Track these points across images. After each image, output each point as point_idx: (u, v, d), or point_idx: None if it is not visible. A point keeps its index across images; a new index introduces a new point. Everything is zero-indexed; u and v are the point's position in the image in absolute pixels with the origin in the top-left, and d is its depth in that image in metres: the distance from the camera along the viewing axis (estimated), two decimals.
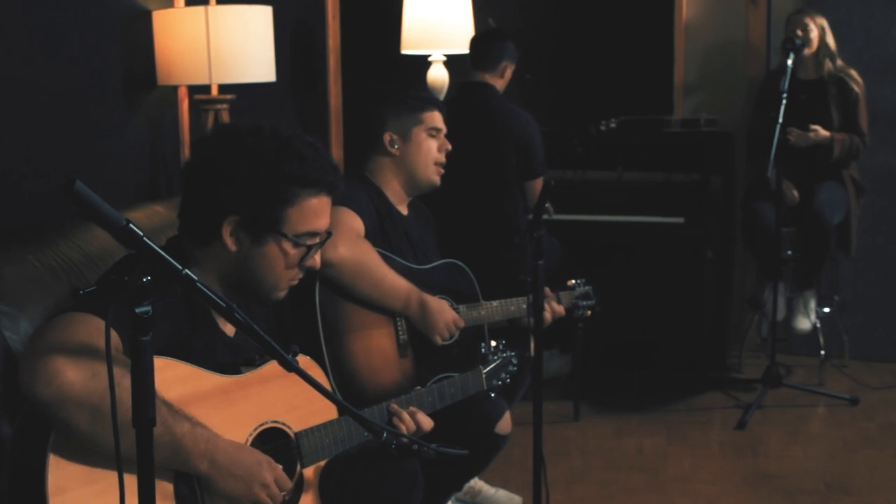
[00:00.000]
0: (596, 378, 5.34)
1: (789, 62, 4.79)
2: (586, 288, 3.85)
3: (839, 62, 5.20)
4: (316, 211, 2.19)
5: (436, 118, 3.39)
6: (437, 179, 3.42)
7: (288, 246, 2.17)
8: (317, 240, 2.23)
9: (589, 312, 3.86)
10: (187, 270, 1.66)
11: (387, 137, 3.34)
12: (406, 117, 3.35)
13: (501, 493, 3.91)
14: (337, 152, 5.84)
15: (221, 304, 1.72)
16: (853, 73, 5.18)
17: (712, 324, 5.44)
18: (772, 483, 4.12)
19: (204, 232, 2.17)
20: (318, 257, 2.25)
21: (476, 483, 3.89)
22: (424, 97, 3.44)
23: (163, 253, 1.63)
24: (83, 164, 3.68)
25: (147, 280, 1.59)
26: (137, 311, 1.57)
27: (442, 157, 3.40)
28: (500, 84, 4.77)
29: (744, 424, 4.71)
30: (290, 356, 1.82)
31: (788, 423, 4.79)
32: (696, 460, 4.37)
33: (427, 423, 2.60)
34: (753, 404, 4.86)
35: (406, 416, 2.56)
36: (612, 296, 5.38)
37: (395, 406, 2.58)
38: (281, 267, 2.19)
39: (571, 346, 5.00)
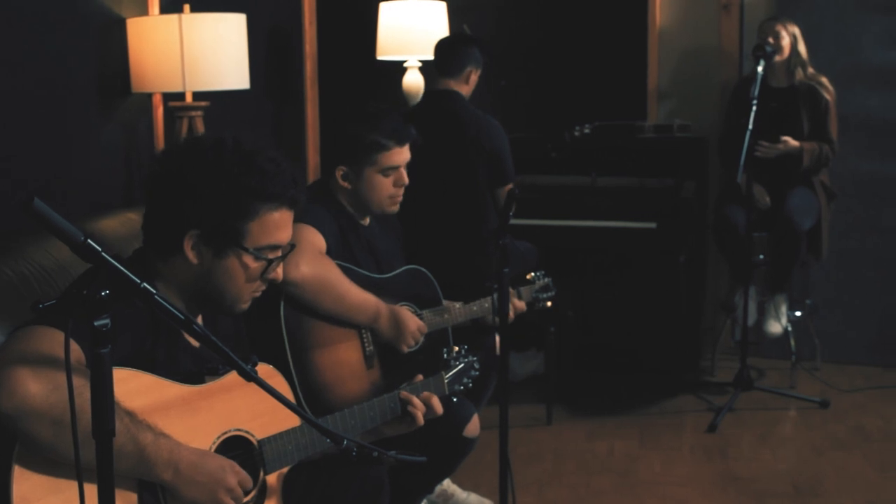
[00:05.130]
0: (570, 381, 5.39)
1: (760, 69, 4.84)
2: (546, 280, 3.89)
3: (810, 70, 5.24)
4: (277, 224, 2.22)
5: (393, 157, 3.30)
6: (392, 210, 3.39)
7: (249, 259, 2.20)
8: (279, 252, 2.25)
9: (549, 304, 3.90)
10: (145, 284, 1.69)
11: (339, 172, 3.31)
12: (360, 157, 3.28)
13: (473, 498, 3.94)
14: (314, 159, 5.87)
15: (180, 316, 1.75)
16: (824, 80, 5.22)
17: (686, 327, 5.50)
18: (741, 485, 4.17)
19: (166, 245, 2.20)
20: (280, 270, 2.28)
21: (448, 486, 3.92)
22: (386, 132, 3.29)
23: (121, 267, 1.66)
24: (57, 170, 3.70)
25: (106, 294, 1.62)
26: (96, 323, 1.61)
27: (397, 192, 3.36)
28: (465, 90, 4.74)
29: (715, 427, 4.75)
30: (249, 366, 1.86)
31: (759, 425, 4.84)
32: (667, 463, 4.42)
33: (438, 406, 2.74)
34: (725, 407, 4.90)
35: (417, 401, 2.69)
36: (587, 300, 5.46)
37: (405, 393, 2.70)
38: (242, 280, 2.22)
39: (545, 348, 5.04)
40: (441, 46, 4.87)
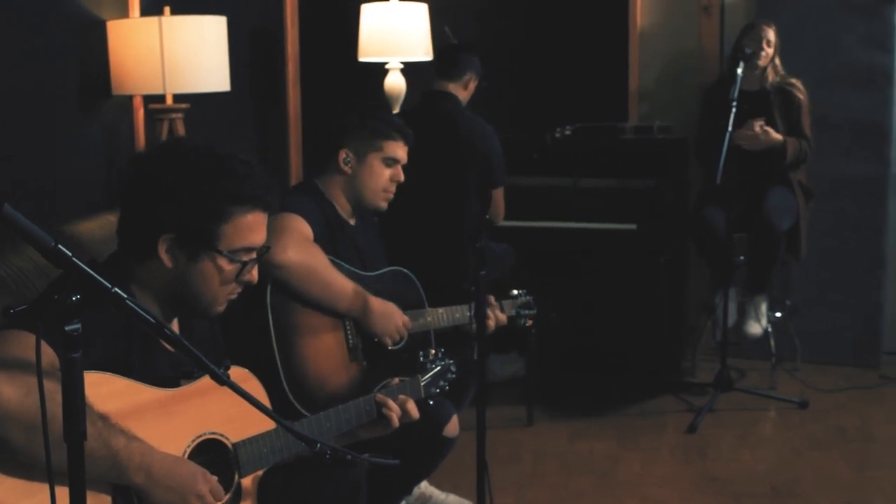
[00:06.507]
0: (551, 382, 5.40)
1: (739, 71, 4.86)
2: (528, 298, 3.92)
3: (781, 72, 5.27)
4: (251, 227, 2.23)
5: (397, 149, 3.40)
6: (382, 206, 3.45)
7: (223, 262, 2.21)
8: (253, 255, 2.26)
9: (530, 322, 3.93)
10: (116, 289, 1.70)
11: (342, 154, 3.36)
12: (366, 140, 3.37)
13: (452, 498, 3.95)
14: (296, 160, 5.87)
15: (152, 321, 1.76)
16: (795, 81, 5.25)
17: (667, 328, 5.52)
18: (720, 486, 4.19)
19: (141, 248, 2.21)
20: (255, 272, 2.29)
21: (427, 488, 3.93)
22: (394, 125, 3.42)
23: (92, 272, 1.66)
24: (38, 172, 3.70)
25: (77, 299, 1.63)
26: (67, 328, 1.61)
27: (391, 187, 3.43)
28: (463, 95, 4.79)
29: (695, 428, 4.77)
30: (221, 370, 1.87)
31: (739, 426, 4.86)
32: (647, 464, 4.44)
33: (414, 411, 2.74)
34: (705, 408, 4.92)
35: (393, 403, 2.69)
36: (568, 301, 5.46)
37: (381, 396, 2.70)
38: (217, 283, 2.22)
39: (525, 349, 5.05)
40: (444, 51, 4.93)
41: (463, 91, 4.82)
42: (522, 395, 5.03)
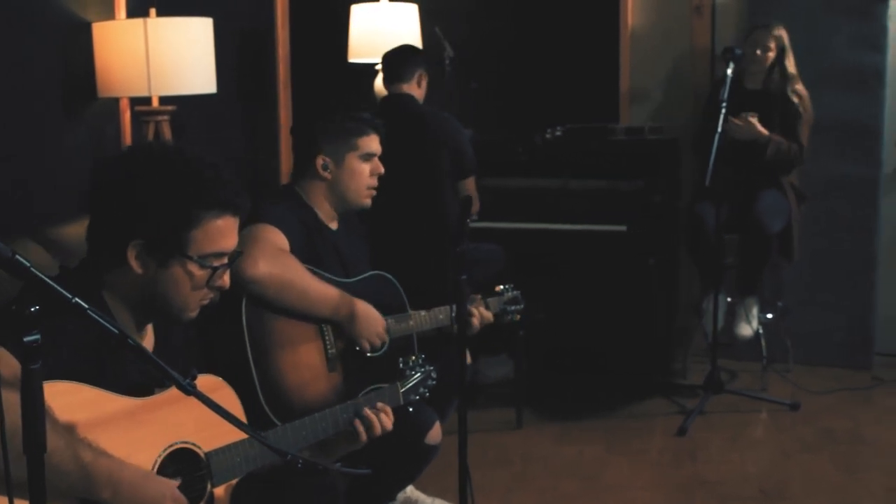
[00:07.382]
0: (540, 384, 5.38)
1: (729, 71, 4.84)
2: (515, 293, 3.88)
3: (791, 77, 5.22)
4: (221, 232, 2.20)
5: (371, 143, 3.38)
6: (367, 203, 3.43)
7: (194, 268, 2.18)
8: (224, 260, 2.24)
9: (518, 317, 3.89)
10: (77, 299, 1.67)
11: (319, 161, 3.33)
12: (340, 142, 3.34)
13: (438, 503, 3.94)
14: (287, 162, 5.84)
15: (114, 331, 1.73)
16: (800, 88, 5.21)
17: (657, 329, 5.49)
18: (708, 489, 4.17)
19: (110, 255, 2.18)
20: (226, 277, 2.26)
21: (413, 493, 3.91)
22: (363, 120, 3.39)
23: (51, 282, 1.64)
24: (23, 175, 3.69)
25: (35, 310, 1.60)
26: (25, 339, 1.59)
27: (374, 182, 3.41)
28: (418, 94, 4.82)
29: (684, 431, 4.75)
30: (187, 380, 1.84)
31: (729, 428, 4.84)
32: (635, 467, 4.42)
33: (388, 422, 2.72)
34: (695, 410, 4.90)
35: (370, 413, 2.67)
36: (558, 302, 5.44)
37: (367, 411, 2.67)
38: (188, 289, 2.20)
39: (516, 352, 5.03)
40: (388, 56, 4.91)
41: (417, 89, 4.85)
42: (512, 398, 5.00)
